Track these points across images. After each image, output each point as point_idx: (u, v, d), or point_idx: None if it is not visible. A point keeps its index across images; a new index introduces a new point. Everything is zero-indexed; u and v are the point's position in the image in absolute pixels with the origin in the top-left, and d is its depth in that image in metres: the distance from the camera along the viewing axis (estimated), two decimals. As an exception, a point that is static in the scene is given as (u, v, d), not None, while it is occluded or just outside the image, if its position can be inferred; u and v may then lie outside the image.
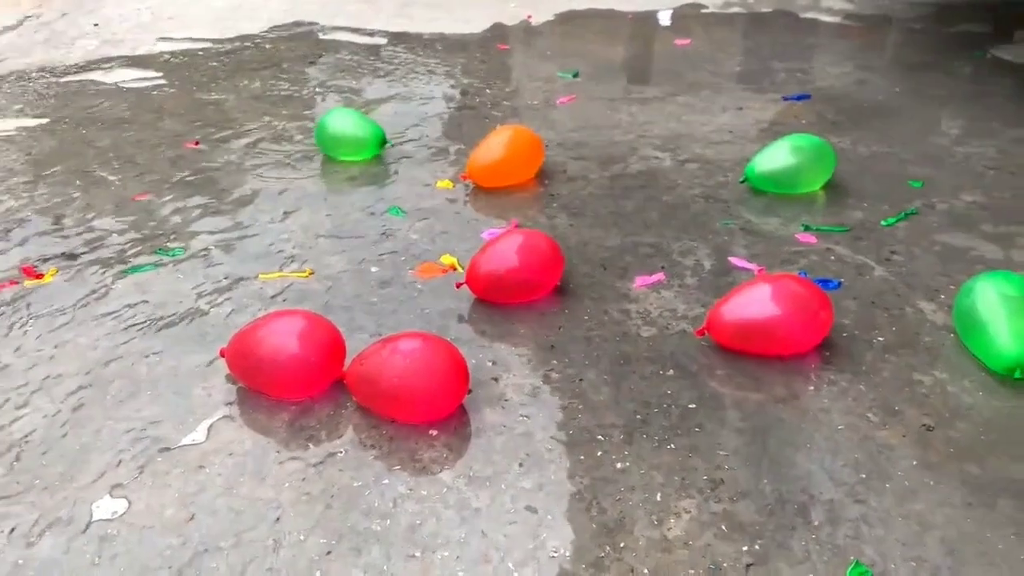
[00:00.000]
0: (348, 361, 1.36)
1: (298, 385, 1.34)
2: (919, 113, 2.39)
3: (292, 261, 1.74)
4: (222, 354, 1.40)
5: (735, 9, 3.40)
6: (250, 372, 1.36)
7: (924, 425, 1.28)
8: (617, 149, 2.21)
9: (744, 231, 1.81)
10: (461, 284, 1.56)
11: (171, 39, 3.24)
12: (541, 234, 1.60)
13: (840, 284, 1.61)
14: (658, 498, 1.16)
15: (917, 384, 1.36)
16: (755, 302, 1.41)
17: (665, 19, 3.18)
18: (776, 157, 1.94)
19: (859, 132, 2.27)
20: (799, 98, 2.52)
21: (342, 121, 2.18)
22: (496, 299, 1.56)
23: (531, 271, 1.55)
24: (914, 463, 1.21)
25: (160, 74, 2.89)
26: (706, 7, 3.44)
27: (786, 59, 2.85)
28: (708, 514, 1.13)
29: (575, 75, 2.74)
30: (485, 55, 2.98)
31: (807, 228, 1.81)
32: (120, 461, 1.25)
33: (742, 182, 1.97)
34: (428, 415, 1.28)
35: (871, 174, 2.04)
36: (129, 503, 1.18)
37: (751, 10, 3.38)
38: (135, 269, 1.72)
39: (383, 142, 2.19)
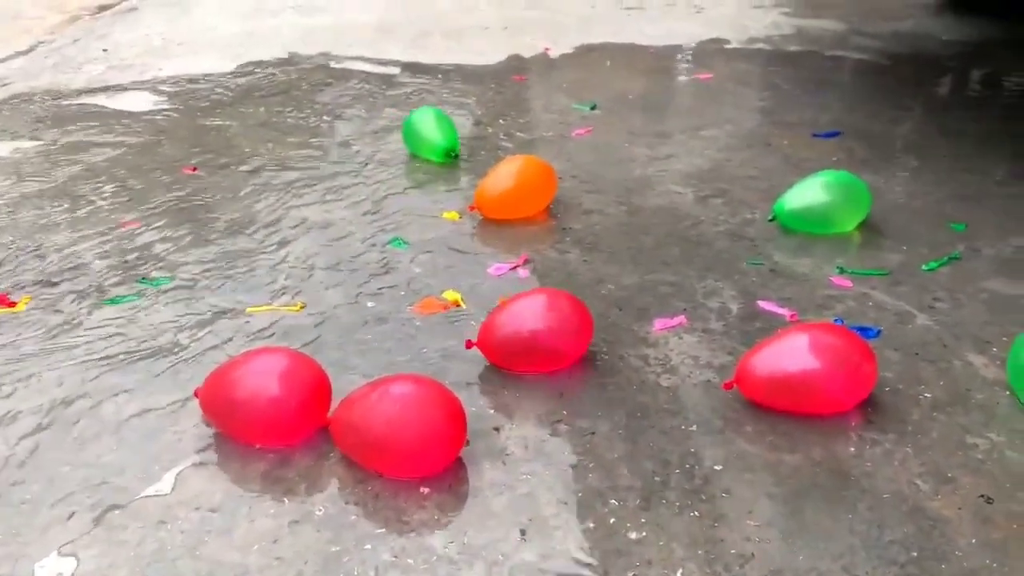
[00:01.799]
0: (334, 406, 1.22)
1: (276, 432, 1.20)
2: (955, 152, 2.26)
3: (283, 293, 1.61)
4: (196, 395, 1.26)
5: (759, 45, 3.30)
6: (225, 416, 1.22)
7: (982, 496, 1.12)
8: (635, 183, 2.09)
9: (774, 272, 1.67)
10: (472, 344, 1.38)
11: (179, 65, 3.16)
12: (567, 295, 1.40)
13: (879, 333, 1.47)
14: (679, 575, 1.01)
15: (971, 448, 1.21)
16: (790, 353, 1.26)
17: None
18: (807, 194, 1.81)
19: (892, 170, 2.14)
20: (828, 135, 2.39)
21: (426, 120, 2.23)
22: (511, 367, 1.37)
23: (556, 338, 1.35)
24: (973, 541, 1.05)
25: (163, 99, 2.80)
26: (729, 42, 3.33)
27: (814, 95, 2.73)
28: (736, 595, 0.98)
29: (592, 107, 2.63)
30: (500, 86, 2.87)
31: (842, 271, 1.67)
32: (73, 513, 1.11)
33: (771, 220, 1.84)
34: (419, 470, 1.14)
35: (908, 214, 1.90)
36: (78, 562, 1.04)
37: (776, 47, 3.28)
38: (115, 300, 1.60)
39: (447, 152, 2.18)
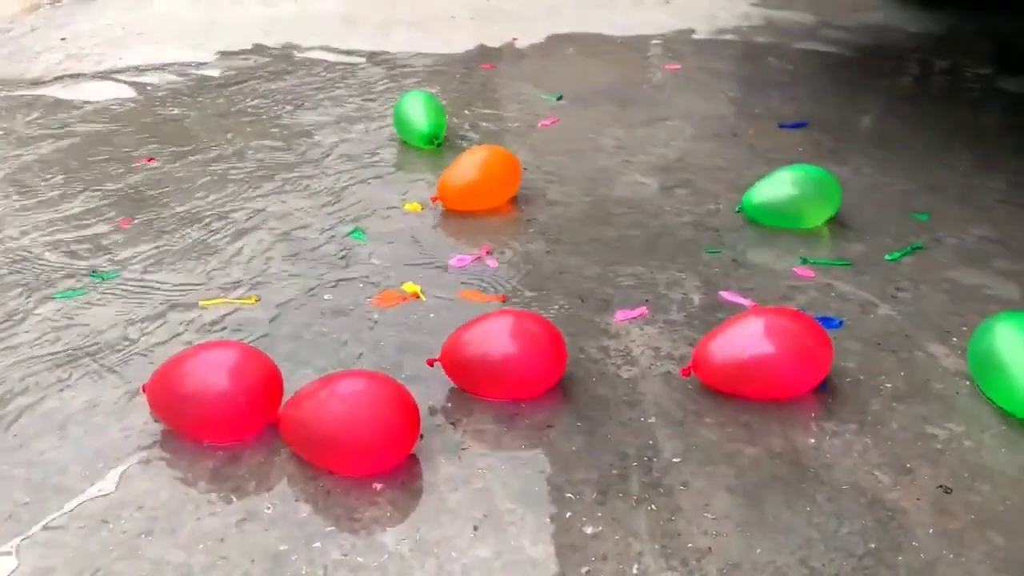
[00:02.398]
0: (285, 401, 1.19)
1: (225, 428, 1.17)
2: (920, 144, 2.26)
3: (238, 286, 1.57)
4: (144, 390, 1.23)
5: (728, 36, 3.29)
6: (173, 412, 1.19)
7: (941, 487, 1.12)
8: (600, 174, 2.06)
9: (736, 263, 1.66)
10: (434, 361, 1.28)
11: (139, 54, 3.09)
12: (542, 319, 1.31)
13: (842, 323, 1.46)
14: (635, 570, 0.99)
15: (930, 438, 1.20)
16: (744, 338, 1.26)
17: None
18: (775, 188, 1.79)
19: (857, 161, 2.13)
20: (795, 126, 2.38)
21: (413, 105, 2.21)
22: (476, 392, 1.27)
23: (525, 367, 1.24)
24: (931, 531, 1.05)
25: (121, 89, 2.74)
26: (698, 33, 3.32)
27: (781, 87, 2.72)
28: (693, 590, 0.97)
29: (559, 98, 2.60)
30: (466, 76, 2.84)
31: (805, 261, 1.65)
32: (11, 514, 1.07)
33: (737, 211, 1.82)
34: (369, 467, 1.11)
35: (872, 205, 1.89)
36: (18, 562, 1.01)
37: (745, 37, 3.27)
38: (64, 294, 1.55)
39: (429, 138, 2.17)
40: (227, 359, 1.19)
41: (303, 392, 1.14)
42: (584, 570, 0.99)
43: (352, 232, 1.77)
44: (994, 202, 1.92)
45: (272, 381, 1.19)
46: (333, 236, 1.76)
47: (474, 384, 1.26)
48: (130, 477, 1.13)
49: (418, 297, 1.53)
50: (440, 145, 2.18)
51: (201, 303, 1.51)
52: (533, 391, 1.26)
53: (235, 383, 1.16)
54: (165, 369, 1.21)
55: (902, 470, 1.14)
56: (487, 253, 1.68)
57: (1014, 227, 1.80)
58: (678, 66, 2.92)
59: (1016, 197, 1.94)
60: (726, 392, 1.27)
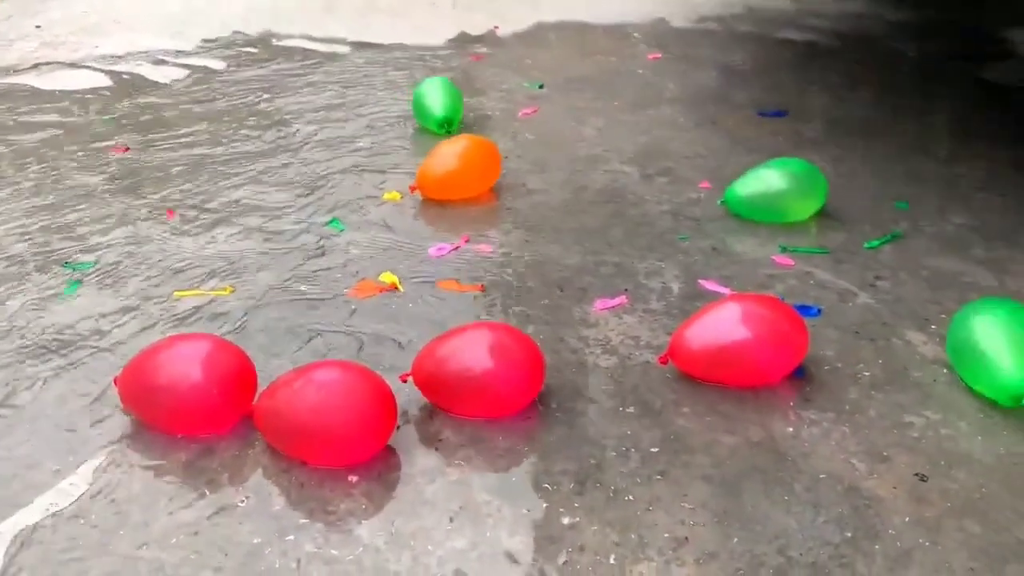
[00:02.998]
0: (259, 393, 1.18)
1: (198, 421, 1.16)
2: (901, 132, 2.26)
3: (212, 276, 1.55)
4: (115, 383, 1.21)
5: (709, 24, 3.28)
6: (145, 405, 1.17)
7: (917, 474, 1.12)
8: (581, 162, 2.05)
9: (716, 251, 1.65)
10: (407, 376, 1.21)
11: (115, 43, 3.05)
12: (519, 333, 1.25)
13: (820, 311, 1.46)
14: (611, 560, 0.99)
15: (907, 426, 1.20)
16: (720, 324, 1.26)
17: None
18: (760, 183, 1.76)
19: (838, 150, 2.13)
20: (775, 114, 2.38)
21: (431, 91, 2.22)
22: (449, 408, 1.21)
23: (499, 383, 1.17)
24: (907, 519, 1.05)
25: (97, 78, 2.70)
26: (679, 21, 3.31)
27: (762, 75, 2.72)
28: (669, 580, 0.96)
29: (540, 86, 2.58)
30: (446, 65, 2.82)
31: (784, 250, 1.65)
32: (-21, 509, 1.06)
33: (721, 204, 1.81)
34: (344, 459, 1.10)
35: (852, 193, 1.89)
36: (-15, 561, 0.99)
37: (726, 26, 3.26)
38: (39, 284, 1.52)
39: (442, 123, 2.17)
40: (200, 351, 1.17)
41: (278, 382, 1.13)
42: (561, 561, 0.98)
43: (330, 222, 1.75)
44: (973, 190, 1.92)
45: (246, 373, 1.18)
46: (310, 226, 1.74)
47: (447, 402, 1.20)
48: (102, 471, 1.11)
49: (396, 287, 1.52)
50: (451, 132, 2.17)
51: (175, 294, 1.49)
52: (508, 410, 1.20)
53: (208, 375, 1.14)
54: (137, 362, 1.19)
55: (879, 458, 1.14)
56: (466, 243, 1.67)
57: (993, 215, 1.80)
58: (659, 55, 2.91)
59: (995, 185, 1.94)
60: (703, 379, 1.26)
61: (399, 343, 1.36)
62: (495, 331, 1.23)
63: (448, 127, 2.17)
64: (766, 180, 1.76)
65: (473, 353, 1.18)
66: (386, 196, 1.87)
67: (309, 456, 1.10)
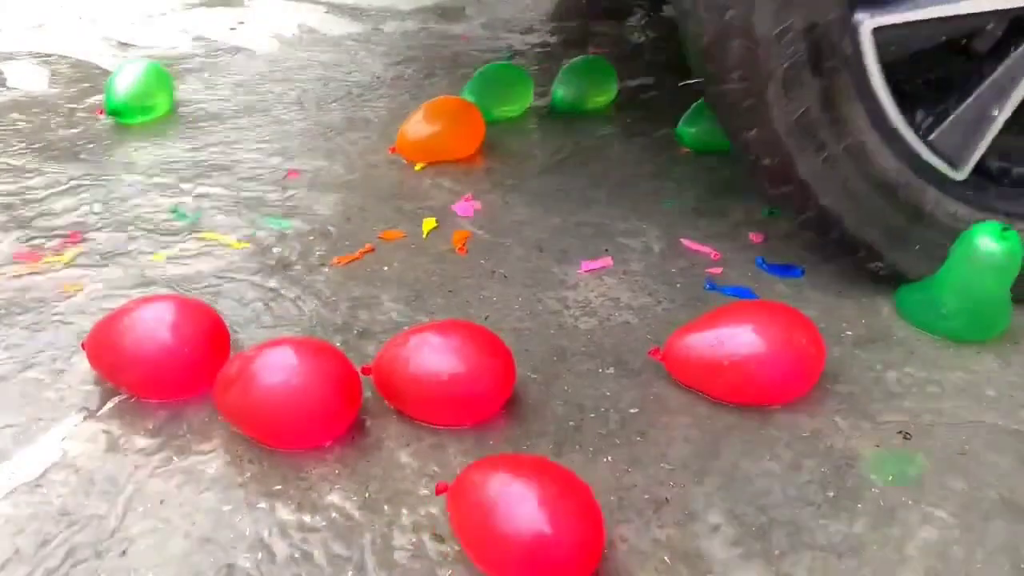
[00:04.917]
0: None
1: (168, 385, 1.12)
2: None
3: (188, 238, 1.51)
4: (83, 347, 1.17)
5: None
6: (113, 368, 1.14)
7: (901, 432, 1.10)
8: (564, 122, 2.01)
9: (696, 211, 1.62)
10: (369, 370, 1.12)
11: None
12: (485, 331, 1.14)
13: (803, 272, 1.43)
14: (590, 523, 0.97)
15: (891, 384, 1.19)
16: (726, 338, 1.12)
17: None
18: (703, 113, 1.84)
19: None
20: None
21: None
22: (410, 413, 1.11)
23: (463, 387, 1.07)
24: (890, 478, 1.03)
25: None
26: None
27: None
28: (649, 541, 0.94)
29: (510, 56, 2.52)
30: (422, 25, 2.76)
31: (771, 213, 1.62)
32: (-60, 479, 1.02)
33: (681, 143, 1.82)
34: (306, 443, 1.06)
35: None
36: (-53, 531, 0.96)
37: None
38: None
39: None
40: (168, 312, 1.13)
41: (236, 360, 1.08)
42: (538, 524, 0.96)
43: (302, 187, 1.71)
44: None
45: (218, 333, 1.14)
46: (285, 188, 1.70)
47: (408, 407, 1.11)
48: (67, 439, 1.08)
49: (372, 251, 1.48)
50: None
51: (154, 256, 1.45)
52: (472, 420, 1.10)
53: (178, 336, 1.11)
54: (104, 324, 1.15)
55: (862, 416, 1.13)
56: (467, 199, 1.64)
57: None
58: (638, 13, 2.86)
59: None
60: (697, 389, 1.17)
61: (372, 304, 1.33)
62: (463, 334, 1.11)
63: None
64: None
65: (438, 359, 1.07)
66: (366, 159, 1.83)
67: (268, 440, 1.06)
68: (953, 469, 1.04)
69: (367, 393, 1.12)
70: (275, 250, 1.49)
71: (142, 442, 1.08)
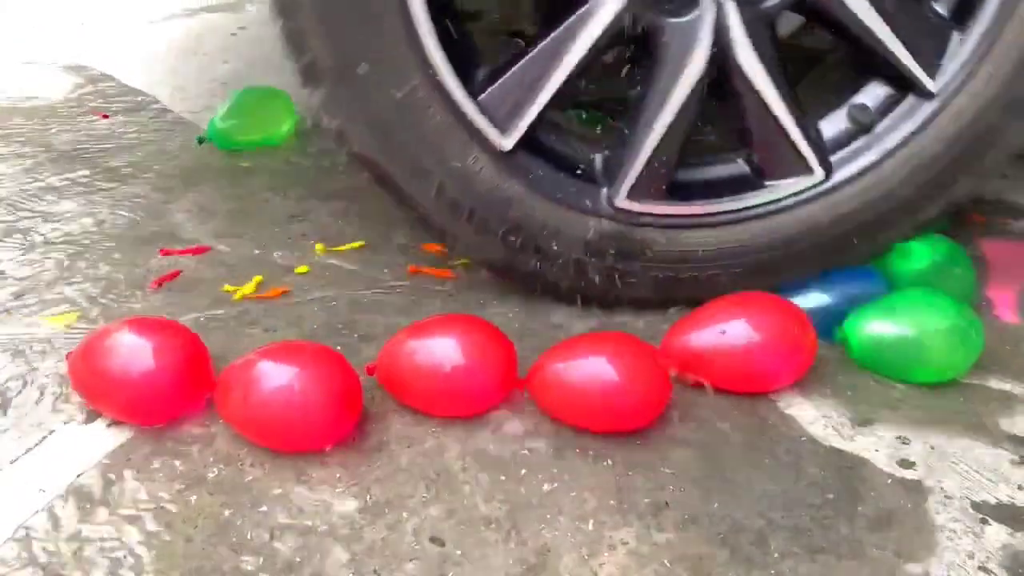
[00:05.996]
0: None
1: (150, 412, 1.10)
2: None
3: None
4: (68, 358, 1.15)
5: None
6: (93, 393, 1.11)
7: (899, 436, 1.11)
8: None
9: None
10: (373, 369, 1.15)
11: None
12: (487, 324, 1.16)
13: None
14: (590, 526, 0.97)
15: (890, 388, 1.19)
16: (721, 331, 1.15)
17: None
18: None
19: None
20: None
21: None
22: (415, 406, 1.13)
23: (468, 378, 1.10)
24: (889, 481, 1.04)
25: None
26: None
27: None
28: (649, 545, 0.95)
29: None
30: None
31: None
32: (-64, 485, 1.02)
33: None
34: (309, 446, 1.07)
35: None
36: (-52, 536, 0.96)
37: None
38: (-1, 253, 1.48)
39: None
40: (148, 340, 1.09)
41: (240, 363, 1.07)
42: (539, 527, 0.96)
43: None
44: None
45: (199, 359, 1.11)
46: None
47: (412, 400, 1.13)
48: (65, 443, 1.08)
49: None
50: None
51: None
52: (476, 410, 1.13)
53: (158, 366, 1.07)
54: (84, 348, 1.11)
55: (861, 420, 1.13)
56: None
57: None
58: None
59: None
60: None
61: (371, 304, 1.33)
62: (466, 328, 1.14)
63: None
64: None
65: (441, 351, 1.10)
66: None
67: (271, 443, 1.06)
68: (951, 473, 1.05)
69: (369, 395, 1.12)
70: (276, 254, 1.49)
71: (143, 447, 1.08)
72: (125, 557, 0.92)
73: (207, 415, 1.12)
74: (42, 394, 1.16)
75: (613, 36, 1.16)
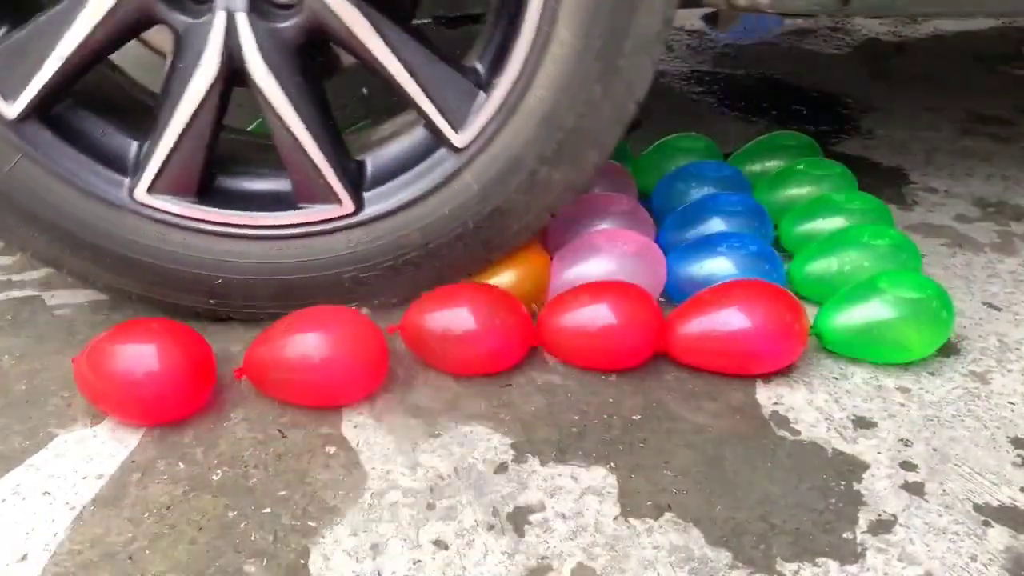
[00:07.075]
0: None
1: (155, 412, 1.11)
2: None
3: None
4: (74, 362, 1.15)
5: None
6: (96, 394, 1.11)
7: (901, 440, 1.11)
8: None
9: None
10: (395, 329, 1.21)
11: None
12: (505, 292, 1.24)
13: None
14: (593, 528, 0.97)
15: (891, 392, 1.19)
16: (716, 314, 1.19)
17: None
18: None
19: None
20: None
21: None
22: (439, 366, 1.22)
23: (492, 337, 1.18)
24: (891, 484, 1.04)
25: None
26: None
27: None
28: (651, 548, 0.95)
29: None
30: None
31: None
32: (-54, 485, 1.03)
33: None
34: (338, 400, 1.16)
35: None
36: (-45, 536, 0.97)
37: None
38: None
39: None
40: (151, 343, 1.10)
41: (272, 331, 1.14)
42: (542, 529, 0.97)
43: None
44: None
45: (204, 359, 1.13)
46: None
47: (439, 359, 1.21)
48: (73, 445, 1.09)
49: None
50: None
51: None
52: (499, 366, 1.22)
53: (163, 369, 1.08)
54: (90, 350, 1.11)
55: (863, 424, 1.13)
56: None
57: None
58: None
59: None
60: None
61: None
62: (483, 291, 1.23)
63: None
64: None
65: (462, 312, 1.19)
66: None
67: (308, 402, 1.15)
68: (953, 475, 1.05)
69: (364, 410, 1.13)
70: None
71: (148, 450, 1.08)
72: (131, 557, 0.93)
73: (211, 416, 1.12)
74: (48, 397, 1.17)
75: (126, 21, 1.12)
